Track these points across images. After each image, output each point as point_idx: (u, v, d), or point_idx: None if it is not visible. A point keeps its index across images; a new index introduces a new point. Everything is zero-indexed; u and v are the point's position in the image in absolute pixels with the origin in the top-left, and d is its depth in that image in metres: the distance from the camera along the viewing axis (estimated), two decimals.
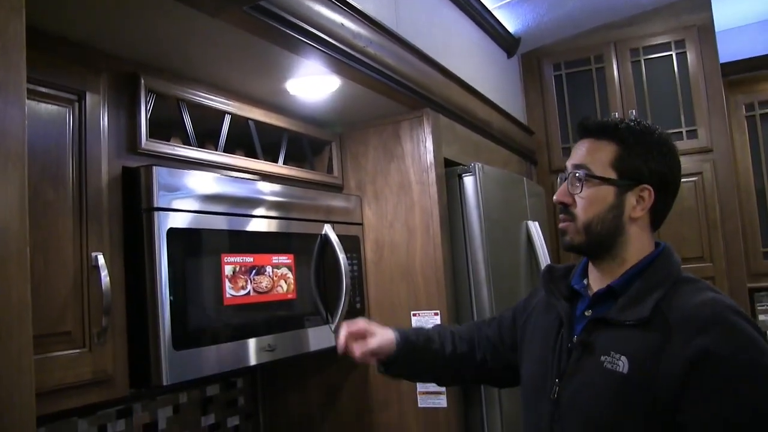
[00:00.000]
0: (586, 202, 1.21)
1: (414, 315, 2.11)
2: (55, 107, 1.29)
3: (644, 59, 3.22)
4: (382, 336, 1.42)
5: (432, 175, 2.12)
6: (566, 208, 1.24)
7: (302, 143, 2.16)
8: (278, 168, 1.96)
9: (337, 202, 2.10)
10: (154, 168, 1.41)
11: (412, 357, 1.45)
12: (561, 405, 1.17)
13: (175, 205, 1.45)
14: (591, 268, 1.29)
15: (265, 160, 1.92)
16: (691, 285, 1.15)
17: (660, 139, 1.23)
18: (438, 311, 2.07)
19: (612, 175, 1.20)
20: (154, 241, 1.39)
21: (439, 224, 2.10)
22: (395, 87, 1.93)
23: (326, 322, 1.93)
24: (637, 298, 1.15)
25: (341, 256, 1.93)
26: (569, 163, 1.26)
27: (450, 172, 2.22)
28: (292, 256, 1.81)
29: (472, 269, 2.15)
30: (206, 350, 1.48)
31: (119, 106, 1.46)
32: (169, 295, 1.40)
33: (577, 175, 1.23)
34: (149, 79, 1.52)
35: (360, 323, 1.43)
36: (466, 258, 2.17)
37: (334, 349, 1.94)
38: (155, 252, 1.39)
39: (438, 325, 1.78)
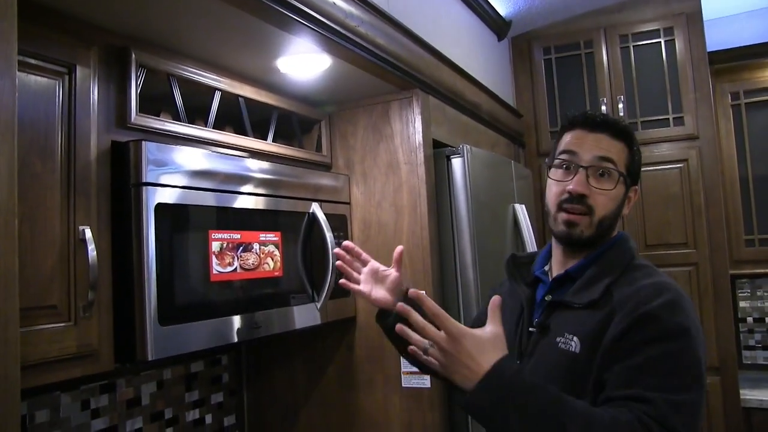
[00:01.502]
0: (608, 198, 1.24)
1: None
2: (44, 79, 1.28)
3: (633, 45, 3.24)
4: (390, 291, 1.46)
5: (420, 156, 2.13)
6: (582, 199, 1.24)
7: (291, 121, 2.15)
8: (267, 145, 1.95)
9: (325, 180, 2.10)
10: (143, 143, 1.40)
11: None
12: None
13: (164, 180, 1.44)
14: (555, 255, 1.34)
15: (255, 137, 1.92)
16: (641, 270, 1.22)
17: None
18: (423, 292, 2.07)
19: (626, 174, 1.28)
20: (141, 216, 1.39)
21: (426, 205, 2.11)
22: (385, 67, 1.93)
23: (312, 300, 1.94)
24: (590, 282, 1.22)
25: (328, 235, 1.94)
26: (589, 154, 1.24)
27: (438, 153, 2.22)
28: (279, 233, 1.81)
29: (459, 250, 2.16)
30: (192, 326, 1.49)
31: (109, 80, 1.45)
32: (156, 271, 1.40)
33: (610, 169, 1.24)
34: (140, 53, 1.51)
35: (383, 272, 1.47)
36: (452, 239, 2.18)
37: (319, 327, 1.98)
38: (143, 227, 1.39)
39: None
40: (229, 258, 1.61)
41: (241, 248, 1.66)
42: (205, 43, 1.62)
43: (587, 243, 1.26)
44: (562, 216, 1.26)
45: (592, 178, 1.23)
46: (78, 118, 1.33)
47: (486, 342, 1.08)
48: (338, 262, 1.51)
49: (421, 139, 2.14)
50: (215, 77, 1.75)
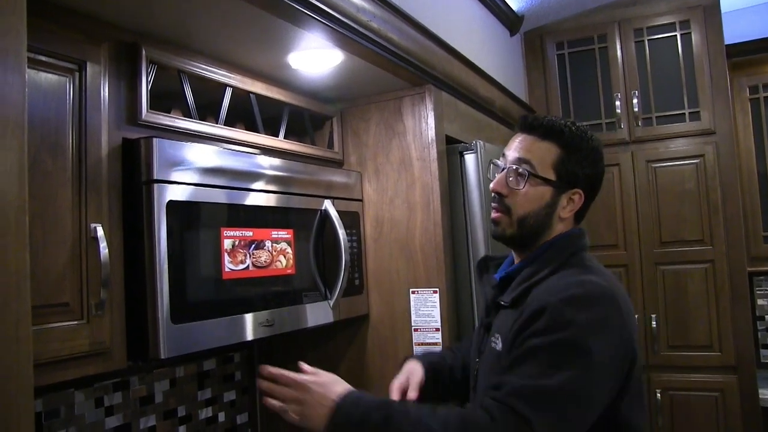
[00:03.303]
0: (525, 198, 1.29)
1: (413, 292, 2.11)
2: (55, 77, 1.27)
3: (648, 39, 3.18)
4: (415, 377, 1.53)
5: (433, 152, 2.11)
6: (501, 198, 1.32)
7: (303, 118, 2.14)
8: (279, 142, 1.94)
9: (337, 177, 2.09)
10: (154, 140, 1.40)
11: (435, 387, 1.54)
12: (477, 380, 1.34)
13: (175, 177, 1.43)
14: (514, 256, 1.39)
15: (266, 134, 1.91)
16: (574, 268, 1.24)
17: (594, 146, 1.32)
18: (437, 289, 2.07)
19: (552, 176, 1.29)
20: (153, 213, 1.38)
21: (439, 201, 2.09)
22: (398, 62, 1.91)
23: (324, 298, 1.93)
24: (520, 282, 1.27)
25: (341, 232, 1.93)
26: (511, 155, 1.32)
27: (451, 149, 2.20)
28: (291, 231, 1.80)
29: (472, 247, 2.14)
30: (204, 324, 1.48)
31: (120, 77, 1.44)
32: (168, 268, 1.39)
33: (520, 170, 1.30)
34: (150, 49, 1.50)
35: (404, 380, 1.54)
36: (466, 236, 2.16)
37: (331, 324, 1.96)
38: (154, 224, 1.38)
39: (455, 348, 1.73)
40: (241, 255, 1.60)
41: (254, 246, 1.65)
42: (215, 38, 1.60)
43: (514, 241, 1.33)
44: (491, 214, 1.35)
45: (512, 179, 1.30)
46: (89, 115, 1.32)
47: (329, 380, 1.22)
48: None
49: (433, 135, 2.12)
50: (226, 73, 1.74)
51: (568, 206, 1.31)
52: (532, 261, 1.29)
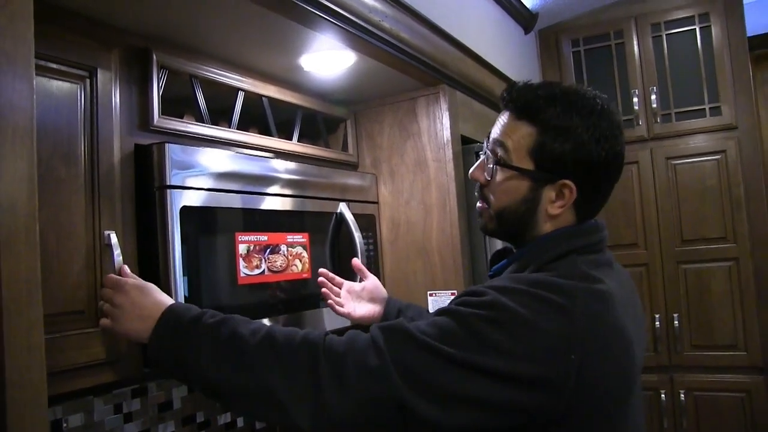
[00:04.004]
0: (499, 190, 1.10)
1: (430, 295, 2.09)
2: (66, 84, 1.26)
3: (666, 34, 3.14)
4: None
5: (449, 152, 2.09)
6: (481, 187, 1.14)
7: (317, 121, 2.13)
8: (292, 145, 1.93)
9: (352, 180, 2.07)
10: (166, 145, 1.39)
11: None
12: None
13: (188, 183, 1.43)
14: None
15: (279, 137, 1.90)
16: (544, 269, 1.03)
17: (595, 118, 1.04)
18: (455, 291, 2.04)
19: (528, 164, 1.06)
20: (167, 219, 1.37)
21: (456, 202, 2.06)
22: (411, 62, 1.90)
23: None
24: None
25: (357, 235, 1.91)
26: (491, 136, 1.13)
27: (467, 149, 2.18)
28: (307, 234, 1.79)
29: (490, 248, 2.12)
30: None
31: (131, 83, 1.43)
32: (183, 274, 1.38)
33: (489, 156, 1.11)
34: (161, 54, 1.49)
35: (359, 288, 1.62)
36: (483, 237, 2.13)
37: (348, 329, 1.95)
38: (168, 231, 1.37)
39: None
40: (256, 260, 1.59)
41: (269, 250, 1.64)
42: (227, 42, 1.59)
43: (499, 236, 1.18)
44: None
45: (488, 164, 1.11)
46: (100, 121, 1.31)
47: (151, 288, 1.19)
48: (322, 290, 1.65)
49: (449, 135, 2.10)
50: (238, 77, 1.73)
51: (557, 201, 1.06)
52: (513, 261, 1.12)
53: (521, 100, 1.08)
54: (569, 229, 1.09)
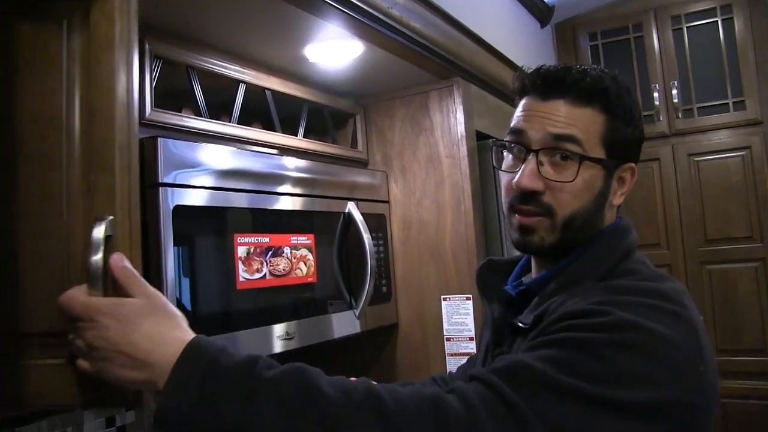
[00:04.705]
0: (573, 192, 0.93)
1: (444, 299, 1.97)
2: None
3: (686, 27, 3.01)
4: None
5: (463, 149, 1.97)
6: (536, 196, 0.94)
7: (324, 115, 2.02)
8: (297, 141, 1.82)
9: (361, 178, 1.96)
10: (159, 139, 1.28)
11: None
12: None
13: (183, 180, 1.32)
14: (534, 263, 1.05)
15: (284, 133, 1.79)
16: (628, 278, 0.90)
17: (634, 95, 0.99)
18: (470, 296, 1.93)
19: (601, 153, 0.94)
20: (159, 219, 1.26)
21: (471, 201, 1.95)
22: (422, 52, 1.78)
23: (350, 308, 1.80)
24: (548, 298, 0.93)
25: (366, 236, 1.80)
26: (540, 133, 0.94)
27: (482, 145, 2.06)
28: (312, 236, 1.68)
29: (507, 250, 2.00)
30: (216, 339, 1.35)
31: None
32: (176, 279, 1.27)
33: (564, 154, 0.93)
34: (154, 42, 1.39)
35: None
36: (500, 237, 2.02)
37: (358, 335, 1.84)
38: (160, 231, 1.26)
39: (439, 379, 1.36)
40: (257, 264, 1.48)
41: (271, 253, 1.53)
42: (225, 30, 1.49)
43: (554, 251, 0.97)
44: (516, 220, 0.97)
45: (549, 166, 0.93)
46: None
47: (149, 310, 0.80)
48: None
49: (463, 130, 1.99)
50: (239, 68, 1.63)
51: (620, 189, 0.99)
52: (560, 272, 0.96)
53: (582, 84, 0.94)
54: (620, 223, 1.00)
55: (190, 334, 0.80)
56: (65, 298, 0.81)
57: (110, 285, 0.82)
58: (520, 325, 0.94)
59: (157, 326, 0.79)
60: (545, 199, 0.94)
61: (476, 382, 0.78)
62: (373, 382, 0.78)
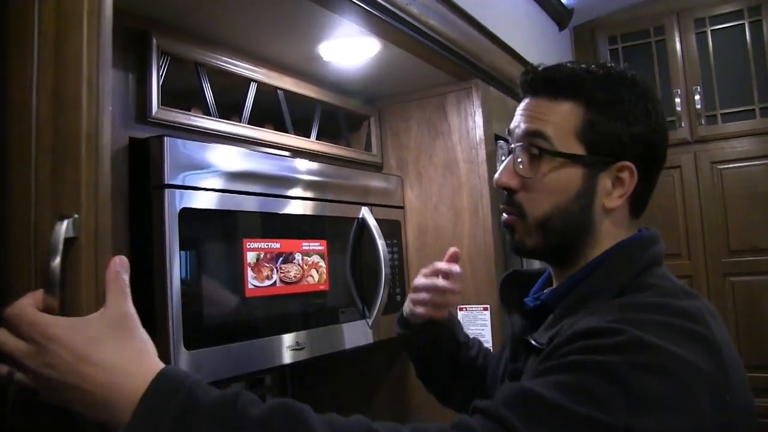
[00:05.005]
0: (543, 189, 0.90)
1: (460, 309, 1.89)
2: None
3: (711, 30, 2.92)
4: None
5: (482, 153, 1.90)
6: (511, 195, 0.93)
7: (337, 117, 1.95)
8: (310, 143, 1.75)
9: (375, 182, 1.89)
10: (165, 139, 1.22)
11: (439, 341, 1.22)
12: None
13: (190, 182, 1.25)
14: (553, 275, 1.00)
15: (296, 134, 1.72)
16: (633, 288, 0.84)
17: (640, 91, 0.90)
18: (488, 306, 1.85)
19: (579, 149, 0.89)
20: (164, 223, 1.20)
21: (489, 207, 1.87)
22: (441, 52, 1.71)
23: (362, 317, 1.73)
24: (562, 316, 0.87)
25: (380, 243, 1.72)
26: (519, 130, 0.93)
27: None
28: (324, 242, 1.61)
29: (526, 259, 1.92)
30: (224, 349, 1.28)
31: (127, 69, 1.27)
32: (181, 286, 1.21)
33: (530, 148, 0.91)
34: (161, 38, 1.33)
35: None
36: None
37: (371, 345, 1.76)
38: (165, 236, 1.19)
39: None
40: (267, 270, 1.41)
41: (281, 259, 1.46)
42: (236, 26, 1.42)
43: (543, 255, 0.96)
44: (501, 218, 0.97)
45: (525, 164, 0.91)
46: None
47: (100, 334, 0.68)
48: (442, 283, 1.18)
49: (482, 134, 1.91)
50: (250, 67, 1.56)
51: (615, 190, 0.90)
52: (575, 286, 0.90)
53: (559, 78, 0.91)
54: (641, 236, 0.93)
55: (159, 364, 0.70)
56: (13, 311, 0.69)
57: (69, 292, 0.72)
58: (536, 344, 0.88)
59: (119, 352, 0.68)
60: (517, 198, 0.92)
61: (482, 415, 0.72)
62: (370, 421, 0.73)
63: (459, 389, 1.27)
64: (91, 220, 0.74)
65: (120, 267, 0.74)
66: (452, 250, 1.21)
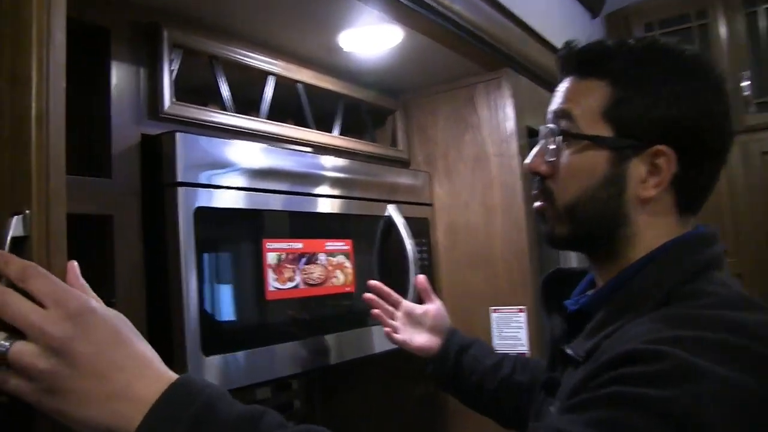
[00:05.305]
0: (568, 174, 0.85)
1: (494, 311, 1.80)
2: None
3: (763, 9, 2.75)
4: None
5: (513, 146, 1.81)
6: (542, 180, 0.89)
7: (361, 111, 1.88)
8: (333, 139, 1.68)
9: (402, 179, 1.82)
10: (178, 135, 1.16)
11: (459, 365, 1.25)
12: None
13: (205, 179, 1.19)
14: (595, 274, 0.92)
15: (318, 130, 1.65)
16: (682, 296, 0.74)
17: (688, 65, 0.81)
18: (523, 307, 1.75)
19: (605, 130, 0.82)
20: (178, 222, 1.13)
21: (523, 203, 1.78)
22: (469, 39, 1.63)
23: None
24: (602, 325, 0.79)
25: (408, 242, 1.64)
26: (549, 114, 0.91)
27: (533, 143, 1.88)
28: (350, 241, 1.54)
29: (563, 255, 1.83)
30: (243, 355, 1.22)
31: (138, 63, 1.21)
32: (198, 289, 1.14)
33: (552, 130, 0.87)
34: (173, 31, 1.27)
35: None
36: None
37: (400, 350, 1.69)
38: (180, 236, 1.13)
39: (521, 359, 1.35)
40: (288, 272, 1.34)
41: (304, 260, 1.39)
42: (251, 16, 1.36)
43: (575, 247, 0.94)
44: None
45: (549, 146, 0.88)
46: None
47: (112, 339, 0.61)
48: (373, 310, 1.39)
49: (513, 127, 1.82)
50: (267, 59, 1.50)
51: (651, 178, 0.81)
52: (617, 289, 0.81)
53: (586, 54, 0.87)
54: (695, 233, 0.84)
55: (172, 374, 0.64)
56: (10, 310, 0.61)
57: None
58: (573, 355, 0.81)
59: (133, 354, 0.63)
60: (548, 183, 0.88)
61: None
62: None
63: (508, 408, 1.24)
64: (42, 215, 0.65)
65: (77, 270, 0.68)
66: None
